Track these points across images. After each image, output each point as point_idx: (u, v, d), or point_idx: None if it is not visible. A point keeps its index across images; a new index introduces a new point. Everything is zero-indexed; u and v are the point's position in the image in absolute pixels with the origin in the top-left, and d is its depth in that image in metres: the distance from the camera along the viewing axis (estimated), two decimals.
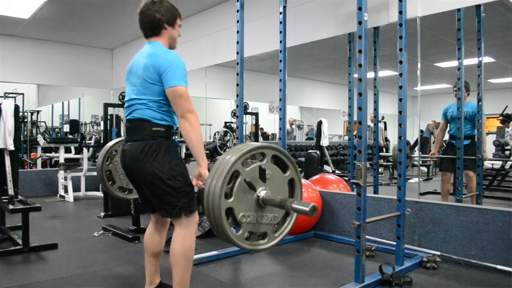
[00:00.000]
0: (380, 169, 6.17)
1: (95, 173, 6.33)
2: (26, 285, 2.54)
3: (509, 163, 5.59)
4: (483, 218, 2.84)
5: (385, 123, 8.43)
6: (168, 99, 1.95)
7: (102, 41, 7.20)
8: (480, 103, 3.76)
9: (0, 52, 6.48)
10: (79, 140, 6.63)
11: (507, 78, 7.45)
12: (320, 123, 6.13)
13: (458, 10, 3.59)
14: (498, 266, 2.71)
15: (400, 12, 2.81)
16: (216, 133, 6.62)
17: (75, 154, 6.47)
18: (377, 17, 3.60)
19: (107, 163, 2.70)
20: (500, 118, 4.93)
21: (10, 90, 7.97)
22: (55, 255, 3.19)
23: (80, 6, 5.33)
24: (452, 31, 3.73)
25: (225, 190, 1.41)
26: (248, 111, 7.59)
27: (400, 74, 2.72)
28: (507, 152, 5.65)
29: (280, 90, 3.50)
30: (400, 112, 2.75)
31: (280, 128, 3.53)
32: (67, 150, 6.51)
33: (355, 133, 3.80)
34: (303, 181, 3.90)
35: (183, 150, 6.46)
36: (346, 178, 4.43)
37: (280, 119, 3.52)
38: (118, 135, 6.17)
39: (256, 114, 7.66)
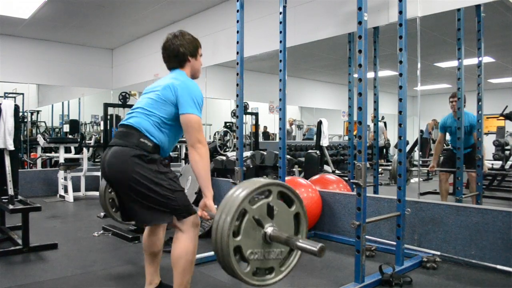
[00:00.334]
0: (380, 169, 6.16)
1: (95, 173, 6.38)
2: (26, 285, 2.54)
3: (509, 163, 5.59)
4: (483, 218, 2.84)
5: (385, 123, 8.43)
6: (172, 123, 1.97)
7: (102, 41, 7.20)
8: (480, 103, 3.76)
9: (0, 52, 6.48)
10: (79, 140, 6.63)
11: (507, 78, 7.45)
12: (320, 123, 6.13)
13: (458, 10, 3.59)
14: (498, 266, 2.71)
15: (400, 12, 2.81)
16: (216, 133, 6.63)
17: (75, 154, 6.47)
18: (377, 17, 3.60)
19: (110, 190, 2.70)
20: (501, 118, 4.93)
21: (10, 90, 7.97)
22: (55, 255, 3.19)
23: (80, 6, 5.34)
24: (452, 31, 3.73)
25: (233, 228, 1.43)
26: (248, 111, 7.59)
27: (400, 74, 2.72)
28: (507, 152, 5.65)
29: (280, 90, 3.50)
30: (400, 112, 2.75)
31: (280, 128, 3.53)
32: (67, 150, 6.52)
33: (355, 133, 3.80)
34: (303, 181, 3.92)
35: (183, 150, 6.46)
36: (346, 178, 4.43)
37: (280, 119, 3.52)
38: None
39: (256, 114, 7.66)
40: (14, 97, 7.85)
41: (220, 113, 8.69)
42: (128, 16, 5.78)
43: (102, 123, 6.47)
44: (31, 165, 7.02)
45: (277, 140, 3.89)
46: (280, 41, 3.51)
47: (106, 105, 6.11)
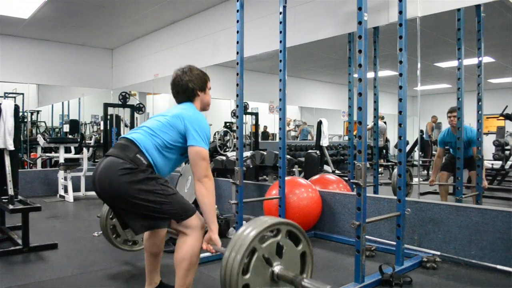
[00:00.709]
0: (380, 169, 6.16)
1: None
2: (26, 285, 2.54)
3: (509, 163, 5.59)
4: (483, 218, 2.84)
5: (384, 122, 8.43)
6: (173, 149, 1.99)
7: (102, 41, 7.21)
8: (480, 103, 3.76)
9: (0, 52, 6.48)
10: (79, 140, 6.63)
11: (507, 78, 7.45)
12: (320, 123, 6.13)
13: (458, 10, 3.59)
14: (498, 266, 2.71)
15: (400, 12, 2.81)
16: (216, 133, 6.62)
17: (75, 154, 6.47)
18: (377, 17, 3.60)
19: (111, 217, 2.71)
20: (501, 118, 4.94)
21: (10, 90, 7.97)
22: (55, 255, 3.20)
23: (80, 6, 5.34)
24: (452, 31, 3.73)
25: (243, 266, 1.46)
26: (248, 111, 7.59)
27: (400, 74, 2.72)
28: (507, 152, 5.65)
29: (280, 90, 3.50)
30: (400, 112, 2.75)
31: (280, 128, 3.54)
32: (67, 150, 6.52)
33: (355, 133, 3.81)
34: (303, 181, 3.92)
35: None
36: (346, 178, 4.43)
37: (280, 119, 3.53)
38: (118, 135, 6.18)
39: (256, 114, 7.67)
40: (14, 97, 7.86)
41: (220, 113, 8.69)
42: (128, 16, 5.78)
43: (102, 123, 6.48)
44: (31, 165, 7.02)
45: (277, 140, 3.89)
46: (280, 41, 3.51)
47: (106, 105, 6.12)
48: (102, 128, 6.57)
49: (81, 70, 7.38)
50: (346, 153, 7.33)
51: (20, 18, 5.74)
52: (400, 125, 2.77)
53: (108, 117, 6.07)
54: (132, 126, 6.48)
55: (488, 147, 5.46)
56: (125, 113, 6.90)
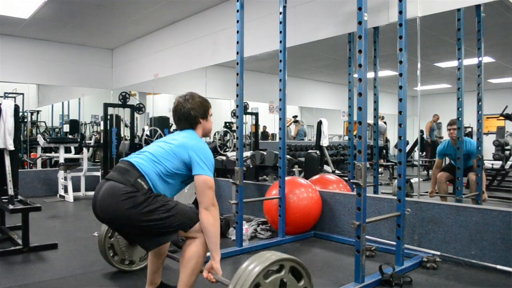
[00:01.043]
0: (380, 169, 6.17)
1: (95, 173, 6.39)
2: (26, 285, 2.54)
3: (509, 163, 5.59)
4: (483, 218, 2.84)
5: (384, 122, 8.43)
6: (175, 177, 2.00)
7: (102, 41, 7.21)
8: (480, 103, 3.76)
9: (0, 52, 6.48)
10: (79, 140, 6.63)
11: (507, 78, 7.44)
12: (320, 123, 6.13)
13: (458, 10, 3.59)
14: (498, 266, 2.71)
15: (400, 12, 2.81)
16: (216, 133, 6.62)
17: (75, 154, 6.47)
18: (377, 17, 3.60)
19: (109, 235, 2.71)
20: (501, 118, 4.94)
21: (10, 90, 7.97)
22: (55, 255, 3.20)
23: (80, 6, 5.34)
24: (452, 31, 3.73)
25: None
26: (248, 111, 7.59)
27: (400, 74, 2.72)
28: (507, 152, 5.65)
29: (280, 90, 3.50)
30: (400, 112, 2.75)
31: (280, 128, 3.54)
32: (67, 150, 6.52)
33: (355, 133, 3.81)
34: (303, 181, 3.92)
35: None
36: (346, 178, 4.43)
37: (280, 119, 3.53)
38: (118, 135, 6.18)
39: (256, 114, 7.66)
40: (14, 97, 7.85)
41: (220, 113, 8.68)
42: (128, 16, 5.78)
43: (102, 123, 6.47)
44: (31, 165, 7.02)
45: (277, 140, 3.88)
46: (280, 41, 3.51)
47: (106, 105, 6.11)
48: (102, 128, 6.57)
49: (81, 70, 7.38)
50: (346, 153, 7.33)
51: (20, 18, 5.74)
52: (400, 125, 2.77)
53: (108, 117, 6.06)
54: (132, 126, 6.48)
55: (488, 147, 5.46)
56: (125, 113, 6.90)
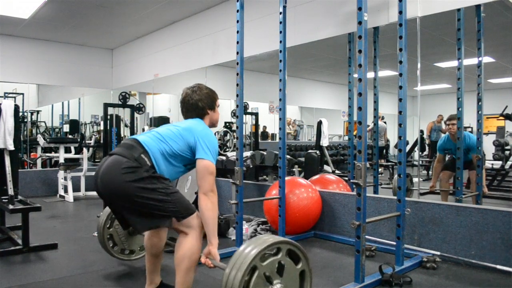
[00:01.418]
0: (380, 169, 6.17)
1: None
2: (26, 285, 2.54)
3: (509, 163, 5.59)
4: (483, 218, 2.84)
5: (385, 122, 8.43)
6: (179, 158, 2.01)
7: (102, 41, 7.20)
8: (480, 103, 3.76)
9: (0, 52, 6.48)
10: (79, 140, 6.63)
11: (507, 78, 7.44)
12: (320, 123, 6.13)
13: (458, 10, 3.59)
14: (498, 266, 2.71)
15: (400, 12, 2.81)
16: (216, 133, 6.62)
17: (75, 154, 6.47)
18: (377, 17, 3.60)
19: (108, 226, 2.71)
20: (501, 118, 4.93)
21: (10, 90, 7.97)
22: (55, 255, 3.20)
23: (80, 6, 5.33)
24: (452, 31, 3.73)
25: (243, 284, 1.47)
26: (248, 111, 7.59)
27: (400, 74, 2.72)
28: (507, 152, 5.65)
29: (280, 90, 3.50)
30: (400, 112, 2.75)
31: (280, 128, 3.54)
32: (67, 150, 6.52)
33: (355, 133, 3.81)
34: (303, 181, 3.92)
35: None
36: (346, 178, 4.43)
37: (280, 119, 3.53)
38: (118, 135, 6.18)
39: (256, 114, 7.66)
40: (14, 97, 7.86)
41: (220, 113, 8.69)
42: (128, 16, 5.78)
43: (102, 123, 6.48)
44: (31, 165, 7.02)
45: (277, 140, 3.88)
46: (280, 41, 3.51)
47: (106, 105, 6.12)
48: (102, 128, 6.57)
49: (81, 70, 7.38)
50: (346, 153, 7.34)
51: (20, 18, 5.74)
52: (400, 125, 2.77)
53: (108, 117, 6.06)
54: (132, 126, 6.48)
55: (488, 147, 5.46)
56: (125, 113, 6.90)
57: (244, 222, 3.52)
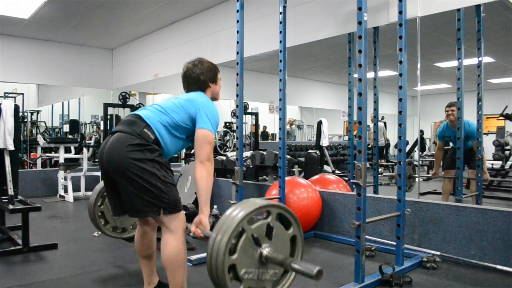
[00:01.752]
0: (380, 169, 6.17)
1: (95, 173, 6.38)
2: (26, 285, 2.54)
3: (509, 163, 5.59)
4: (483, 218, 2.84)
5: (384, 123, 8.43)
6: (181, 130, 2.01)
7: (102, 41, 7.20)
8: (480, 103, 3.76)
9: (0, 52, 6.48)
10: (79, 140, 6.63)
11: (507, 78, 7.44)
12: (320, 123, 6.13)
13: (458, 10, 3.59)
14: (498, 266, 2.71)
15: (400, 12, 2.81)
16: (216, 133, 6.62)
17: (75, 154, 6.47)
18: (377, 17, 3.60)
19: (99, 204, 2.71)
20: (501, 118, 4.93)
21: (10, 90, 7.97)
22: (55, 255, 3.20)
23: (80, 6, 5.34)
24: (452, 31, 3.73)
25: (230, 246, 1.43)
26: (248, 111, 7.59)
27: (400, 74, 2.72)
28: (507, 152, 5.65)
29: (280, 90, 3.50)
30: (400, 112, 2.75)
31: (280, 128, 3.54)
32: (67, 150, 6.52)
33: (355, 133, 3.81)
34: (303, 181, 3.92)
35: (183, 150, 6.45)
36: (346, 178, 4.43)
37: (280, 119, 3.53)
38: None
39: (256, 114, 7.66)
40: (14, 97, 7.85)
41: (220, 113, 8.69)
42: (128, 16, 5.78)
43: (102, 123, 6.48)
44: (31, 165, 7.02)
45: (277, 140, 3.88)
46: (280, 41, 3.51)
47: (106, 105, 6.12)
48: (102, 128, 6.57)
49: (81, 70, 7.38)
50: (346, 153, 7.33)
51: (20, 18, 5.74)
52: (400, 125, 2.77)
53: (108, 117, 6.07)
54: None
55: (488, 147, 5.46)
56: (125, 113, 6.90)
57: None
